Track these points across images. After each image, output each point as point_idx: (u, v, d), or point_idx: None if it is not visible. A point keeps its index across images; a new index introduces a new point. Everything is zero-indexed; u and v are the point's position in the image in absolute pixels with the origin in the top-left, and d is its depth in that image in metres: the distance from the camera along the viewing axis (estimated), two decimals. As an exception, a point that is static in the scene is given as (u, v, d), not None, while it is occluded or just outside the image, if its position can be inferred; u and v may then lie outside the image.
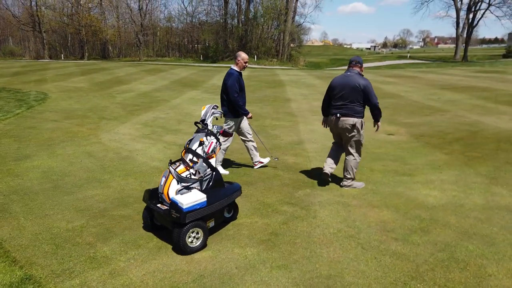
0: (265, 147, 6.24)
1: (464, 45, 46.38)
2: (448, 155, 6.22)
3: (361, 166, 5.41)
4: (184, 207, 3.13)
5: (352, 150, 4.76)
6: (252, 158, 5.74)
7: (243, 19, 46.95)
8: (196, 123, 3.95)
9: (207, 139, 3.68)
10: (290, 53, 49.41)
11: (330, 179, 4.99)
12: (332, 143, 5.11)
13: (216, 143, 3.74)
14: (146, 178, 5.27)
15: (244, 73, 29.16)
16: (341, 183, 4.88)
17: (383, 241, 3.44)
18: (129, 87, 17.86)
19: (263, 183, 5.04)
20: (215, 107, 4.01)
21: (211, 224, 3.51)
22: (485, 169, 5.43)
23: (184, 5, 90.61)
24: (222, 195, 3.55)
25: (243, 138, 5.66)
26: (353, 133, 4.65)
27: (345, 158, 4.84)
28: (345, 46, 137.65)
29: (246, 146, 5.69)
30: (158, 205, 3.48)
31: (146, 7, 54.28)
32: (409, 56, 53.08)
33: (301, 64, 47.59)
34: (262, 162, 5.77)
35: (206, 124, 3.85)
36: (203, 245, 3.33)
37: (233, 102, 5.22)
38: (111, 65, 33.68)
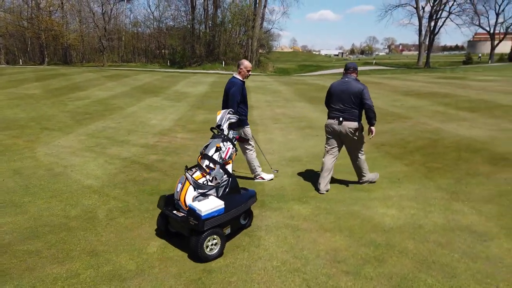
0: (266, 160, 5.94)
1: (426, 52, 47.83)
2: (409, 166, 5.91)
3: (316, 182, 4.98)
4: (203, 214, 3.09)
5: (356, 151, 4.98)
6: (252, 171, 5.41)
7: (210, 25, 46.38)
8: (212, 128, 3.86)
9: (224, 145, 3.63)
10: (259, 59, 49.23)
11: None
12: (325, 153, 5.06)
13: (233, 149, 3.69)
14: (73, 200, 4.60)
15: (210, 79, 28.89)
16: (359, 181, 5.14)
17: (332, 276, 2.97)
18: (85, 93, 16.87)
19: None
20: (231, 112, 3.92)
21: (228, 231, 3.45)
22: (446, 182, 5.12)
23: (150, 9, 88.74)
24: (238, 202, 3.53)
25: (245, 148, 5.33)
26: (356, 136, 4.84)
27: (355, 163, 5.03)
28: (314, 52, 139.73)
29: (246, 157, 5.37)
30: (174, 211, 3.43)
31: (111, 12, 52.68)
32: (375, 63, 54.27)
33: (269, 70, 47.50)
34: (263, 178, 5.41)
35: (223, 130, 3.76)
36: (220, 253, 3.26)
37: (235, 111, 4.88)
38: (71, 71, 32.15)
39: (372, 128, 4.85)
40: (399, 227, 3.79)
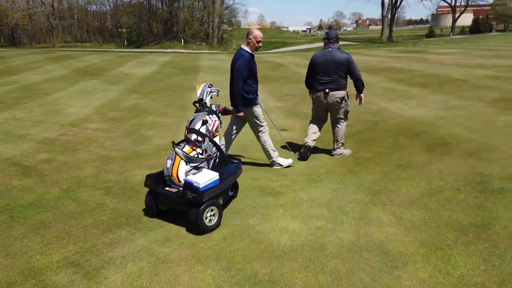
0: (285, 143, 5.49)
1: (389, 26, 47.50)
2: (335, 159, 5.10)
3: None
4: (201, 186, 3.12)
5: (341, 120, 5.03)
6: (267, 156, 4.83)
7: (167, 0, 43.91)
8: (194, 102, 3.83)
9: (210, 118, 3.63)
10: (222, 36, 47.37)
11: (309, 154, 5.09)
12: (311, 120, 5.24)
13: (218, 121, 3.72)
14: None
15: (165, 58, 27.21)
16: (332, 152, 5.17)
17: None
18: (16, 78, 15.19)
19: (62, 224, 3.48)
20: (211, 85, 3.86)
21: (220, 201, 3.48)
22: (371, 178, 4.33)
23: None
24: (228, 173, 3.56)
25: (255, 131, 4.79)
26: (342, 105, 4.93)
27: (335, 128, 5.07)
28: (282, 28, 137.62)
29: (259, 141, 4.80)
30: (166, 188, 3.39)
31: (60, -12, 48.90)
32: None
33: (233, 47, 45.83)
34: (281, 164, 4.80)
35: (205, 103, 3.73)
36: (219, 223, 3.33)
37: (232, 89, 4.45)
38: (14, 53, 29.59)
39: (361, 95, 5.02)
40: (295, 250, 2.94)
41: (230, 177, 3.54)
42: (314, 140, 5.01)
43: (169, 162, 3.41)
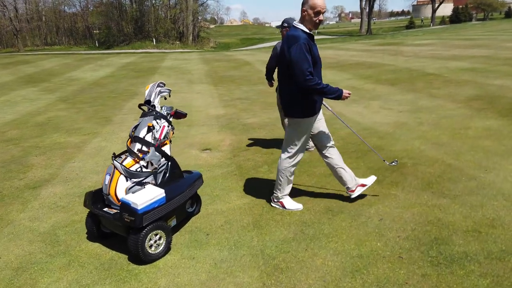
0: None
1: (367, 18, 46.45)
2: (243, 198, 3.72)
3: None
4: (139, 207, 2.55)
5: None
6: (343, 183, 3.40)
7: (137, -1, 42.04)
8: (140, 105, 3.11)
9: (157, 123, 2.98)
10: (198, 34, 45.70)
11: None
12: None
13: (169, 126, 3.06)
14: None
15: (128, 59, 25.50)
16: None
17: None
18: None
19: None
20: (162, 84, 3.15)
21: (173, 222, 2.97)
22: (279, 237, 2.95)
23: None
24: (182, 187, 2.99)
25: (320, 146, 3.35)
26: None
27: None
28: (265, 24, 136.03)
29: (327, 163, 3.37)
30: (105, 209, 2.83)
31: (25, -11, 46.57)
32: (317, 32, 52.32)
33: (210, 45, 44.20)
34: (364, 185, 3.40)
35: (154, 106, 3.05)
36: (167, 249, 2.78)
37: (306, 89, 2.95)
38: (-33, 60, 27.61)
39: None
40: None
41: (183, 192, 2.96)
42: None
43: (107, 177, 2.84)
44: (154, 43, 38.92)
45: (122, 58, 25.58)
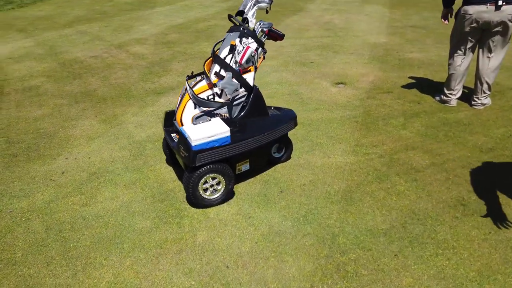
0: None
1: None
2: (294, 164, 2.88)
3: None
4: (193, 143, 2.14)
5: (498, 53, 3.44)
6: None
7: None
8: (230, 16, 2.49)
9: (241, 43, 2.39)
10: None
11: None
12: (461, 54, 3.56)
13: (258, 49, 2.43)
14: None
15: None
16: (473, 102, 3.68)
17: None
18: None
19: None
20: None
21: (244, 167, 2.49)
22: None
23: None
24: (262, 127, 2.45)
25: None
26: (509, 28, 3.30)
27: (486, 68, 3.49)
28: None
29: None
30: (174, 134, 2.52)
31: None
32: None
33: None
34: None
35: (246, 19, 2.50)
36: (226, 197, 2.38)
37: None
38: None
39: None
40: None
41: (262, 133, 2.41)
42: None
43: (179, 99, 2.46)
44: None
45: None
